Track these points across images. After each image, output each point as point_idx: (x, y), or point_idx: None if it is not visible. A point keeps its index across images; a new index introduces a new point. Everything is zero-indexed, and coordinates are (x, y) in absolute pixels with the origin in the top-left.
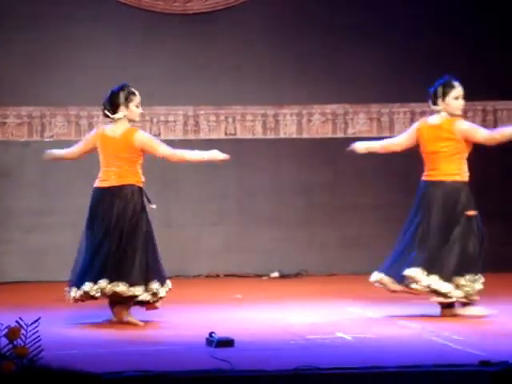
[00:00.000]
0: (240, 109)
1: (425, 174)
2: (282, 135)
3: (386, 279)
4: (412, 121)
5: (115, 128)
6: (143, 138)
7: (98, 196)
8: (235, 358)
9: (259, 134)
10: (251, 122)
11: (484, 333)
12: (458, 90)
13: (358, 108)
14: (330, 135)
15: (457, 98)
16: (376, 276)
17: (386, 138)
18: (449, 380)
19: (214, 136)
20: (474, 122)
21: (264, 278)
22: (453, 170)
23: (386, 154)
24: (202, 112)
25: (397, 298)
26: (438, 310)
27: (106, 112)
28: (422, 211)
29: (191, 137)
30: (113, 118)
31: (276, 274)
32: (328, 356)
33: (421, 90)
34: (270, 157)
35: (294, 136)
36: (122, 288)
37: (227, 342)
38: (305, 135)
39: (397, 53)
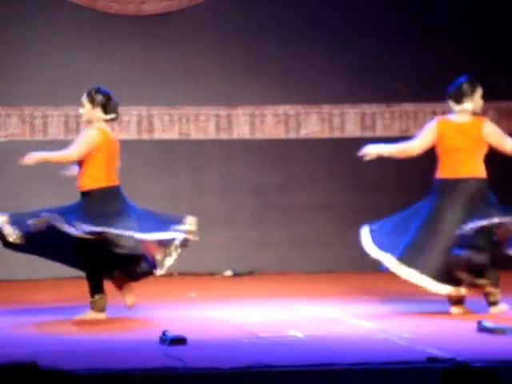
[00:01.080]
0: (193, 109)
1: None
2: (235, 136)
3: None
4: (363, 121)
5: None
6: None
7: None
8: (188, 356)
9: (212, 134)
10: (204, 122)
11: (432, 330)
12: (481, 89)
13: (309, 109)
14: (282, 136)
15: (481, 97)
16: None
17: (337, 138)
18: (397, 377)
19: (167, 136)
20: (423, 123)
21: (217, 276)
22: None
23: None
24: (155, 112)
25: (347, 296)
26: (387, 308)
27: None
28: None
29: (145, 137)
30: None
31: (229, 273)
32: (280, 354)
33: (370, 91)
34: (223, 157)
35: (247, 137)
36: None
37: (180, 340)
38: (258, 136)
39: (347, 54)
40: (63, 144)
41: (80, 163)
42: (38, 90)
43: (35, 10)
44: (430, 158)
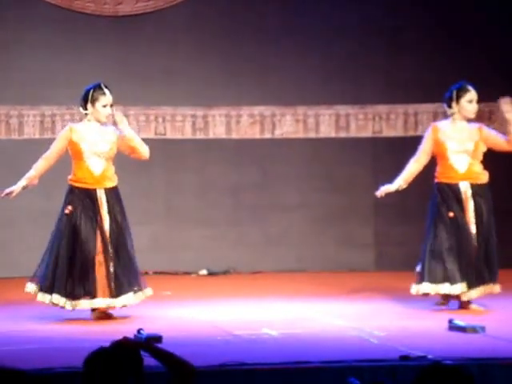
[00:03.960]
0: (170, 109)
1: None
2: (211, 136)
3: None
4: (337, 122)
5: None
6: None
7: None
8: None
9: (188, 134)
10: (181, 122)
11: (404, 328)
12: (471, 94)
13: (284, 110)
14: (257, 136)
15: (470, 102)
16: None
17: (311, 138)
18: (370, 375)
19: (143, 136)
20: (395, 124)
21: (192, 275)
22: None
23: None
24: (131, 112)
25: (321, 295)
26: (360, 307)
27: (80, 108)
28: None
29: None
30: (86, 114)
31: (204, 272)
32: (254, 352)
33: (344, 93)
34: (199, 157)
35: (223, 136)
36: None
37: (155, 339)
38: (233, 136)
39: (322, 56)
40: (38, 143)
41: (111, 159)
42: (13, 90)
43: (11, 9)
44: (406, 159)
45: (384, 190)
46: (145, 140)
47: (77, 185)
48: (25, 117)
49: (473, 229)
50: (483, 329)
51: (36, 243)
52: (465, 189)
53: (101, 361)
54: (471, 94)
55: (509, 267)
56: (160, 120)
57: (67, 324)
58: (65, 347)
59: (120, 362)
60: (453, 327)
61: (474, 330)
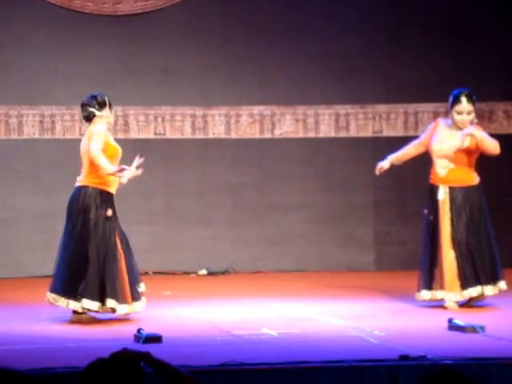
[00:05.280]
0: (169, 109)
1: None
2: (210, 135)
3: None
4: (337, 122)
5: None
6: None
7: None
8: (163, 354)
9: (188, 133)
10: (180, 122)
11: (403, 328)
12: (461, 106)
13: (284, 109)
14: (257, 136)
15: (459, 113)
16: None
17: (311, 138)
18: (370, 374)
19: (143, 136)
20: (395, 123)
21: (192, 275)
22: None
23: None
24: (131, 112)
25: (321, 294)
26: (360, 306)
27: (91, 108)
28: None
29: (120, 136)
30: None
31: (204, 272)
32: (254, 352)
33: (344, 93)
34: (198, 156)
35: (223, 136)
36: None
37: (155, 338)
38: (233, 135)
39: (322, 56)
40: (38, 143)
41: None
42: (13, 90)
43: (10, 9)
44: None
45: (379, 168)
46: (144, 140)
47: (104, 188)
48: (24, 117)
49: (447, 232)
50: (483, 329)
51: (36, 244)
52: (443, 192)
53: (99, 372)
54: (461, 106)
55: (504, 266)
56: (159, 120)
57: (67, 324)
58: (65, 347)
59: (119, 374)
60: (452, 327)
61: (473, 329)
